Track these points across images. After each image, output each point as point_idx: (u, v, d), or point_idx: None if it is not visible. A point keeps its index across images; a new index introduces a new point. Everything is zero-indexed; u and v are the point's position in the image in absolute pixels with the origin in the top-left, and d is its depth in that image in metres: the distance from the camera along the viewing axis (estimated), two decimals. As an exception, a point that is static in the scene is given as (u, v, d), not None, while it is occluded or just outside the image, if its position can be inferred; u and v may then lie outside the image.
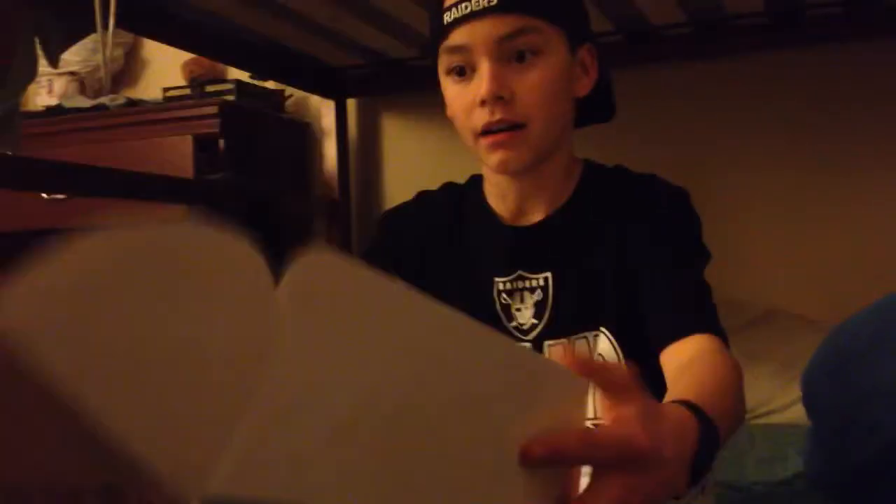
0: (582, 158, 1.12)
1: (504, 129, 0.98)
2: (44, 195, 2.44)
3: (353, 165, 2.78)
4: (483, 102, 0.97)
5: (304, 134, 2.79)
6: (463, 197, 1.14)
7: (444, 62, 1.02)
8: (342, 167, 2.71)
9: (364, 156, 2.81)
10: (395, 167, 2.78)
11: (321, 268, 0.46)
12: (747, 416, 1.93)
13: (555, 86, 1.00)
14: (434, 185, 1.19)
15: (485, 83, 0.97)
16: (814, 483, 1.23)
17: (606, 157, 1.16)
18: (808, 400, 1.13)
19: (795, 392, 1.16)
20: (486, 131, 0.99)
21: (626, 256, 1.03)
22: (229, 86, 2.52)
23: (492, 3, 0.96)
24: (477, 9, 0.96)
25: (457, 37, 0.98)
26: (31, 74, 1.78)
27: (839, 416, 1.09)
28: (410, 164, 2.73)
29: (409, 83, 2.63)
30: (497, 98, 0.97)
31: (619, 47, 2.36)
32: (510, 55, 0.97)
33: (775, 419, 1.92)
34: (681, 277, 1.00)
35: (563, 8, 1.02)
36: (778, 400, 1.93)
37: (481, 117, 0.99)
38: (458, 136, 1.07)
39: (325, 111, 2.73)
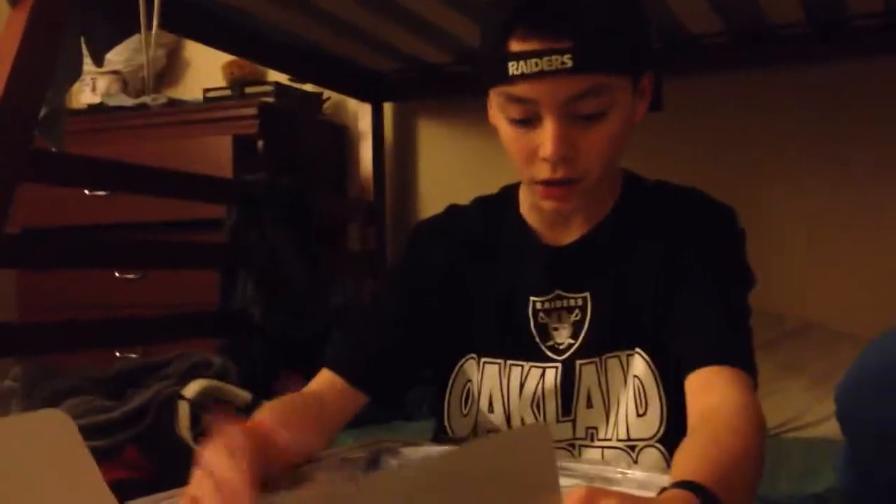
0: (622, 169, 1.08)
1: (563, 184, 0.96)
2: (86, 191, 2.48)
3: (389, 168, 2.80)
4: (546, 159, 0.94)
5: (340, 136, 2.81)
6: (495, 211, 1.10)
7: (502, 105, 0.96)
8: (378, 170, 2.73)
9: (400, 159, 2.83)
10: (431, 170, 2.79)
11: None
12: (781, 428, 1.94)
13: (619, 136, 0.96)
14: (469, 189, 1.18)
15: (550, 144, 0.92)
16: (846, 498, 1.22)
17: (647, 165, 1.15)
18: (843, 415, 1.12)
19: (830, 406, 1.15)
20: (544, 182, 0.96)
21: (664, 276, 1.00)
22: (269, 88, 2.55)
23: (566, 65, 0.89)
24: (549, 69, 0.89)
25: (522, 90, 0.92)
26: (76, 73, 1.81)
27: (875, 432, 1.07)
28: (445, 168, 2.73)
29: (445, 88, 2.64)
30: (562, 158, 0.93)
31: (659, 55, 2.35)
32: (577, 113, 0.92)
33: (809, 433, 1.90)
34: (714, 302, 0.96)
35: (633, 54, 0.96)
36: (812, 413, 1.91)
37: (541, 171, 0.95)
38: (493, 142, 1.04)
39: (361, 114, 2.75)
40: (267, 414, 0.93)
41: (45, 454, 0.51)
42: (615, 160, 1.00)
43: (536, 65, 0.90)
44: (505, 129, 0.97)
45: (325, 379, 1.04)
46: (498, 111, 0.97)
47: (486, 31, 0.97)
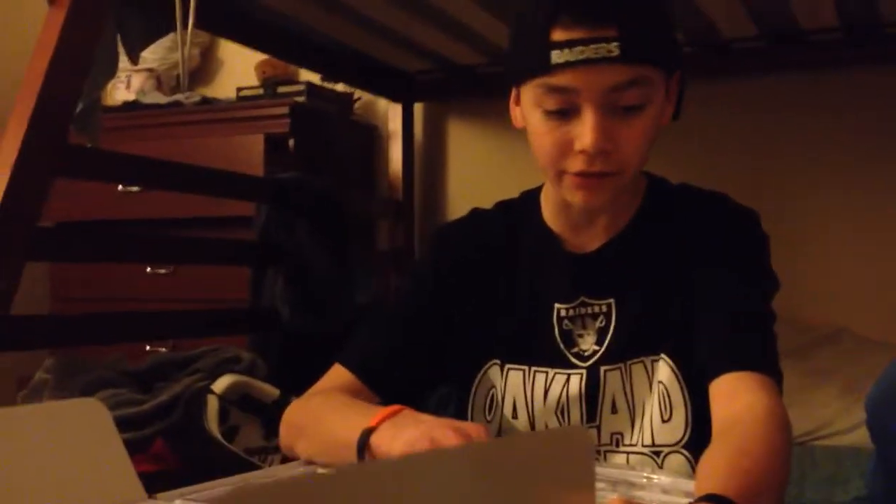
0: (644, 172, 1.07)
1: (597, 176, 0.95)
2: (119, 187, 2.51)
3: (418, 168, 2.81)
4: (583, 152, 0.93)
5: (371, 136, 2.82)
6: (518, 216, 1.09)
7: (538, 97, 0.94)
8: (407, 170, 2.74)
9: (429, 159, 2.83)
10: (459, 171, 2.79)
11: None
12: (810, 436, 1.92)
13: (651, 134, 0.95)
14: (498, 189, 1.18)
15: (590, 136, 0.91)
16: (876, 507, 1.20)
17: (678, 169, 1.14)
18: (873, 422, 1.10)
19: (860, 414, 1.14)
20: (578, 173, 0.95)
21: (688, 280, 0.99)
22: (300, 87, 2.56)
23: (612, 53, 0.89)
24: (594, 57, 0.89)
25: (564, 78, 0.91)
26: (111, 70, 1.84)
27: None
28: (474, 169, 2.74)
29: (476, 89, 2.64)
30: (600, 151, 0.92)
31: (691, 60, 2.33)
32: (617, 104, 0.92)
33: (838, 441, 1.88)
34: (738, 307, 0.96)
35: (668, 50, 0.96)
36: (842, 421, 1.89)
37: (577, 164, 0.94)
38: (522, 143, 1.04)
39: (392, 114, 2.75)
40: (326, 412, 0.95)
41: (78, 441, 0.52)
42: (645, 159, 0.99)
43: (582, 52, 0.89)
44: (538, 122, 0.96)
45: (339, 376, 1.04)
46: (531, 106, 0.96)
47: (523, 23, 0.96)
